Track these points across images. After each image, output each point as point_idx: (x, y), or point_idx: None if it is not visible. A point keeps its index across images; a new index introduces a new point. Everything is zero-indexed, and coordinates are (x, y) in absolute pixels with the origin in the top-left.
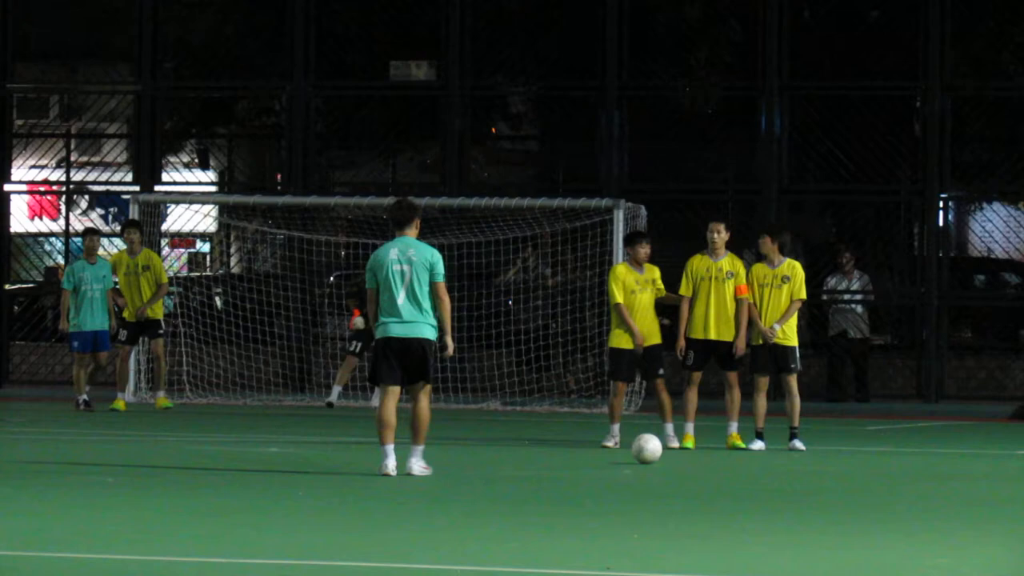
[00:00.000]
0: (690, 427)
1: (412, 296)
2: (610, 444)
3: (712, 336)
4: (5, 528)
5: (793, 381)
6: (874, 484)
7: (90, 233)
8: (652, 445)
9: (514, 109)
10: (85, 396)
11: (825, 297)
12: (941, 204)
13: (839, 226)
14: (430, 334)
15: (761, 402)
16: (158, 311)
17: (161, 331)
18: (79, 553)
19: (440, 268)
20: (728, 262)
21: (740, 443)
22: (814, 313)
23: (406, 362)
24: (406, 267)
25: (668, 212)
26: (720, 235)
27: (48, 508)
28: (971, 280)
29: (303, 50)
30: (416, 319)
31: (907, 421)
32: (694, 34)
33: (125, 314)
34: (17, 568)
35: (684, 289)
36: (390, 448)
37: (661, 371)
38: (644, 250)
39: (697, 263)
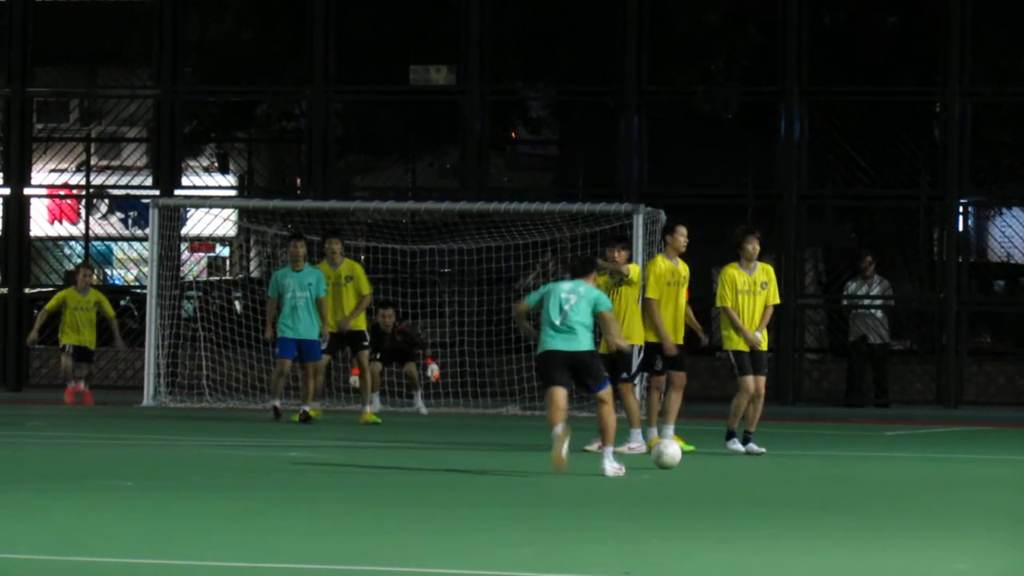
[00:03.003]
0: (669, 430)
1: (568, 319)
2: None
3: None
4: (24, 532)
5: (762, 385)
6: (893, 489)
7: (295, 239)
8: (671, 450)
9: (533, 114)
10: (277, 402)
11: (845, 302)
12: (961, 209)
13: (859, 231)
14: (587, 346)
15: (743, 404)
16: (361, 322)
17: (366, 343)
18: (97, 557)
19: (604, 300)
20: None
21: (686, 445)
22: (834, 318)
23: (572, 372)
24: (573, 296)
25: (687, 217)
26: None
27: (67, 512)
28: (991, 285)
29: (323, 54)
30: (572, 336)
31: (926, 426)
32: (713, 39)
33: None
34: (36, 572)
35: (652, 292)
36: (559, 426)
37: (624, 375)
38: (619, 255)
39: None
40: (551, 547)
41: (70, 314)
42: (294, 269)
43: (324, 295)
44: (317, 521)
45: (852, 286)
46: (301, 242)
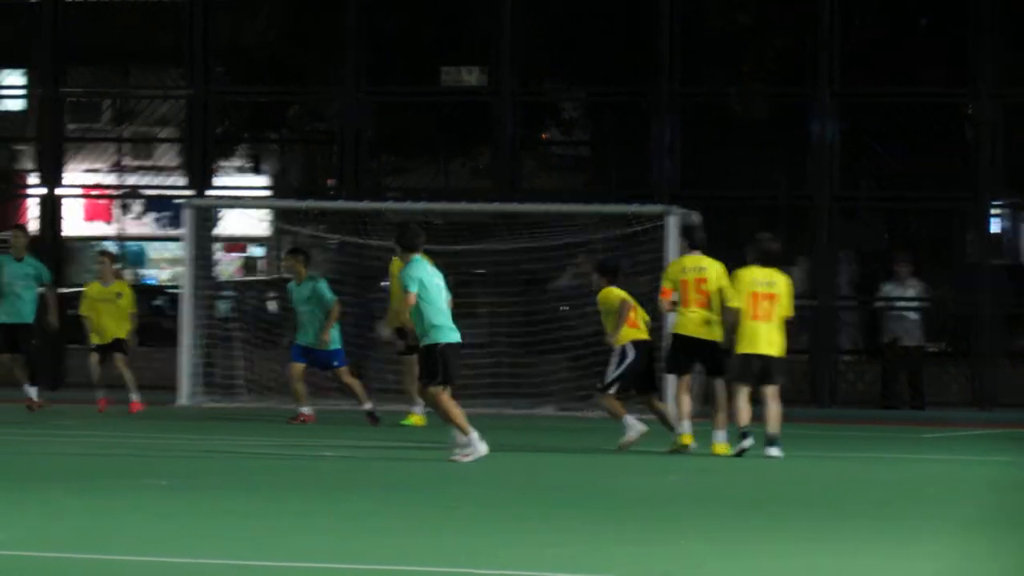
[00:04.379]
0: (722, 433)
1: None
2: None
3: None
4: (59, 531)
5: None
6: (928, 492)
7: (292, 253)
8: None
9: (565, 115)
10: (305, 409)
11: (879, 304)
12: (994, 211)
13: (892, 233)
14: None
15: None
16: None
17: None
18: (133, 556)
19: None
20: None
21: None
22: (868, 320)
23: None
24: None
25: (719, 218)
26: None
27: (103, 511)
28: None
29: (355, 55)
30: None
31: (962, 429)
32: (745, 40)
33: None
34: (71, 570)
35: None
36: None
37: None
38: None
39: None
40: (583, 548)
41: (94, 309)
42: (297, 283)
43: (332, 305)
44: (348, 520)
45: (886, 288)
46: (299, 256)
